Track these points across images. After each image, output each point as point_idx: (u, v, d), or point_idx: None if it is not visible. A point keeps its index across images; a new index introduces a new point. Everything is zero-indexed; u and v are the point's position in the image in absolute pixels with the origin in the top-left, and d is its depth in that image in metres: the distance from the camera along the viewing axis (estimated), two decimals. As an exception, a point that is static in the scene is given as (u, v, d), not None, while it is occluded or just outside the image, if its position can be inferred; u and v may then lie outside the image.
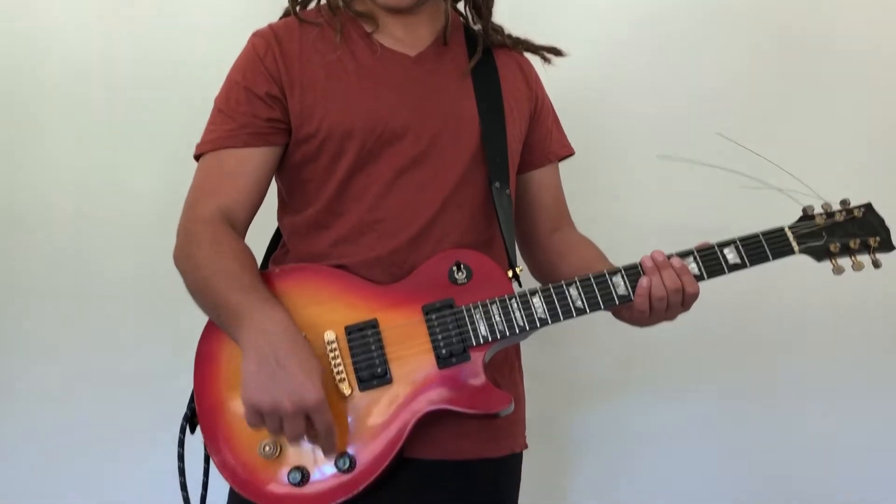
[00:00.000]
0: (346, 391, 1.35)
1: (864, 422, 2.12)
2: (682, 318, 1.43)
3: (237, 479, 1.34)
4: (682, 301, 1.39)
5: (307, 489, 1.32)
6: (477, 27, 1.62)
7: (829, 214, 1.44)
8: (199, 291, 1.37)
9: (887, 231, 1.44)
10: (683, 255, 1.41)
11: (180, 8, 2.17)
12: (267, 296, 1.34)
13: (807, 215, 1.44)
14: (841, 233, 1.43)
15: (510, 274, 1.44)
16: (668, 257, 1.40)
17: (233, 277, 1.34)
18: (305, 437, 1.30)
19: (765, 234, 1.42)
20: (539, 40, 1.63)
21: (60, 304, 2.16)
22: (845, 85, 2.13)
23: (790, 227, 1.43)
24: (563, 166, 1.68)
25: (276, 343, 1.27)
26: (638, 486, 2.14)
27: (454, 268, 1.41)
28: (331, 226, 1.46)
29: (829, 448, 2.12)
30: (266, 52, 1.47)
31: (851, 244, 1.42)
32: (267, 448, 1.33)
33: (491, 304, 1.39)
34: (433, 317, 1.38)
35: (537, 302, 1.39)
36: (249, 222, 1.48)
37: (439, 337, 1.37)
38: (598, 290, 1.39)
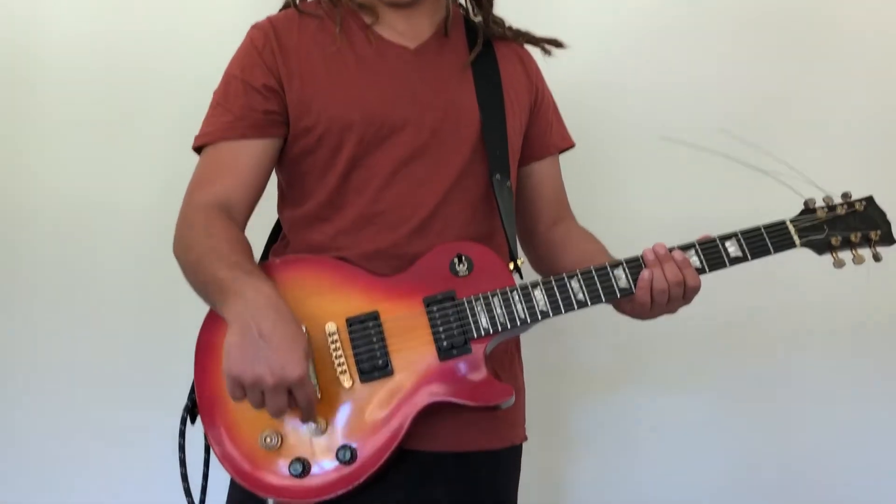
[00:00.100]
0: (347, 383, 1.35)
1: (866, 416, 2.12)
2: (683, 311, 1.43)
3: (238, 470, 1.34)
4: (684, 294, 1.39)
5: (308, 481, 1.32)
6: (477, 19, 1.62)
7: (831, 208, 1.44)
8: (192, 272, 1.37)
9: (888, 224, 1.45)
10: (685, 248, 1.41)
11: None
12: (252, 269, 1.33)
13: (808, 208, 1.44)
14: (842, 226, 1.43)
15: (511, 266, 1.44)
16: (670, 250, 1.40)
17: (222, 256, 1.34)
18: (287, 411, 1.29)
19: (766, 227, 1.42)
20: (540, 32, 1.63)
21: (60, 297, 2.15)
22: (848, 78, 2.13)
23: (791, 221, 1.43)
24: (564, 158, 1.68)
25: (260, 315, 1.26)
26: (638, 478, 2.15)
27: (455, 260, 1.41)
28: (331, 218, 1.46)
29: (830, 441, 2.13)
30: (264, 44, 1.47)
31: (852, 237, 1.42)
32: (268, 439, 1.33)
33: (492, 296, 1.39)
34: (434, 309, 1.38)
35: (538, 294, 1.39)
36: (248, 213, 1.48)
37: (440, 329, 1.37)
38: (600, 283, 1.39)
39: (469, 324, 1.37)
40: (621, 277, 1.40)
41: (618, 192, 2.14)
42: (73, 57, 2.15)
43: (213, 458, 1.37)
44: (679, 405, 2.15)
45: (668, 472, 2.13)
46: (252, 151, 1.46)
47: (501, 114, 1.52)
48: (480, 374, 1.36)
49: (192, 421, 1.42)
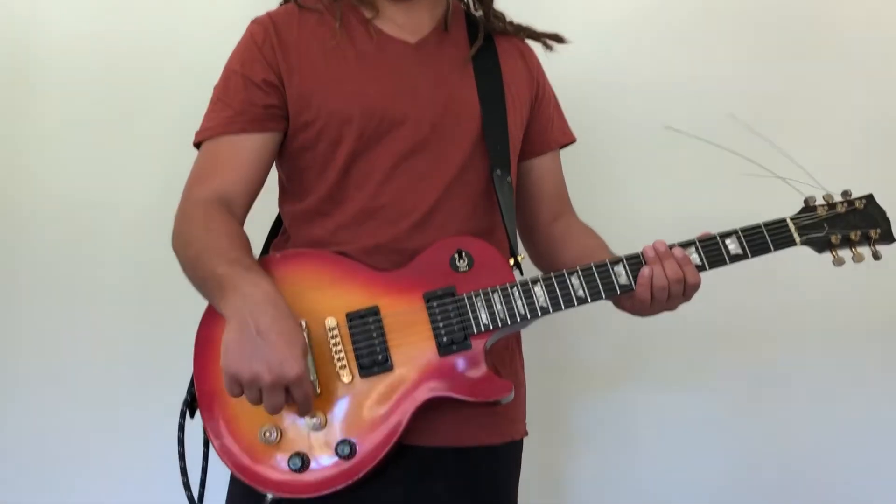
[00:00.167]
0: (347, 378, 1.35)
1: (866, 414, 2.13)
2: (683, 307, 1.44)
3: (237, 464, 1.34)
4: (684, 291, 1.40)
5: (307, 475, 1.32)
6: (478, 13, 1.61)
7: (831, 206, 1.44)
8: (191, 267, 1.37)
9: (888, 223, 1.45)
10: (685, 245, 1.41)
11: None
12: (250, 264, 1.33)
13: (808, 206, 1.44)
14: (842, 224, 1.43)
15: (511, 262, 1.45)
16: (670, 247, 1.40)
17: (220, 252, 1.34)
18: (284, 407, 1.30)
19: (766, 224, 1.42)
20: (541, 27, 1.63)
21: (59, 296, 2.14)
22: (848, 76, 2.13)
23: (792, 218, 1.43)
24: (565, 154, 1.68)
25: (258, 312, 1.26)
26: (638, 475, 2.15)
27: (456, 255, 1.41)
28: (332, 213, 1.46)
29: (830, 439, 2.13)
30: (264, 39, 1.47)
31: (852, 236, 1.42)
32: (267, 433, 1.33)
33: (492, 292, 1.39)
34: (434, 304, 1.38)
35: (539, 290, 1.39)
36: (247, 208, 1.48)
37: (440, 324, 1.37)
38: (600, 279, 1.39)
39: (469, 319, 1.37)
40: (621, 274, 1.40)
41: (618, 189, 2.14)
42: (72, 57, 2.14)
43: (213, 453, 1.37)
44: (679, 402, 2.15)
45: (667, 468, 2.14)
46: (252, 146, 1.45)
47: (502, 109, 1.52)
48: (480, 369, 1.36)
49: (192, 415, 1.42)
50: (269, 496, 1.33)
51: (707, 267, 1.40)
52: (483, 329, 1.37)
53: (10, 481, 2.13)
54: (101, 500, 2.13)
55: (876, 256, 1.44)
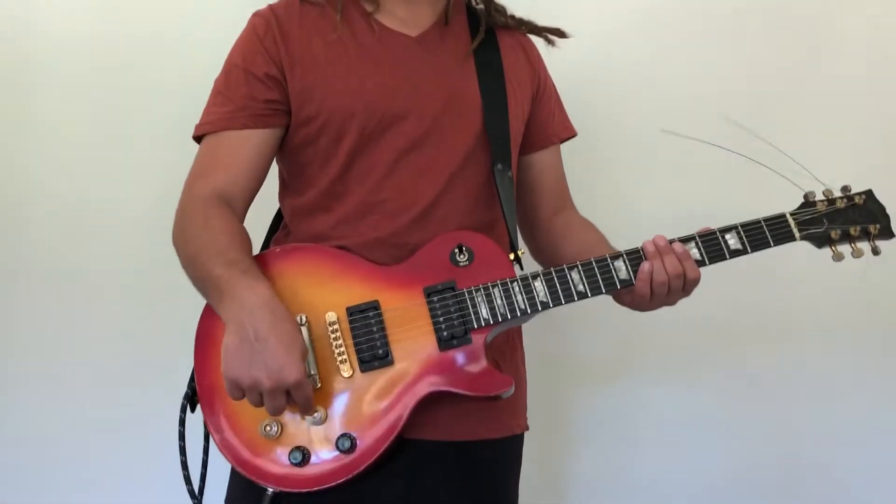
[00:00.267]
0: (347, 372, 1.36)
1: (865, 410, 2.13)
2: (682, 302, 1.44)
3: (238, 458, 1.35)
4: (684, 286, 1.40)
5: (308, 469, 1.33)
6: (479, 7, 1.61)
7: (831, 201, 1.44)
8: (190, 266, 1.38)
9: (888, 218, 1.45)
10: (685, 240, 1.41)
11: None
12: (248, 268, 1.33)
13: (808, 201, 1.44)
14: (842, 219, 1.43)
15: (512, 257, 1.45)
16: (670, 242, 1.40)
17: (219, 252, 1.34)
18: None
19: (766, 220, 1.42)
20: (542, 21, 1.63)
21: (58, 295, 2.14)
22: (848, 72, 2.12)
23: (791, 214, 1.43)
24: (565, 148, 1.67)
25: (256, 317, 1.27)
26: (639, 469, 2.15)
27: (456, 250, 1.41)
28: (333, 208, 1.46)
29: (830, 434, 2.13)
30: (266, 32, 1.46)
31: (852, 231, 1.42)
32: (268, 428, 1.34)
33: (493, 286, 1.39)
34: (435, 299, 1.38)
35: (539, 285, 1.39)
36: (248, 204, 1.48)
37: (440, 319, 1.38)
38: (600, 274, 1.40)
39: (469, 314, 1.38)
40: (621, 269, 1.40)
41: (619, 183, 2.14)
42: (72, 55, 2.12)
43: (213, 447, 1.38)
44: (679, 397, 2.15)
45: (667, 463, 2.14)
46: (253, 142, 1.45)
47: (503, 103, 1.52)
48: (480, 364, 1.37)
49: (193, 409, 1.42)
50: (270, 490, 1.34)
51: (707, 262, 1.41)
52: (483, 324, 1.38)
53: (10, 481, 2.13)
54: (101, 500, 2.13)
55: (875, 252, 1.44)
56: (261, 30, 1.47)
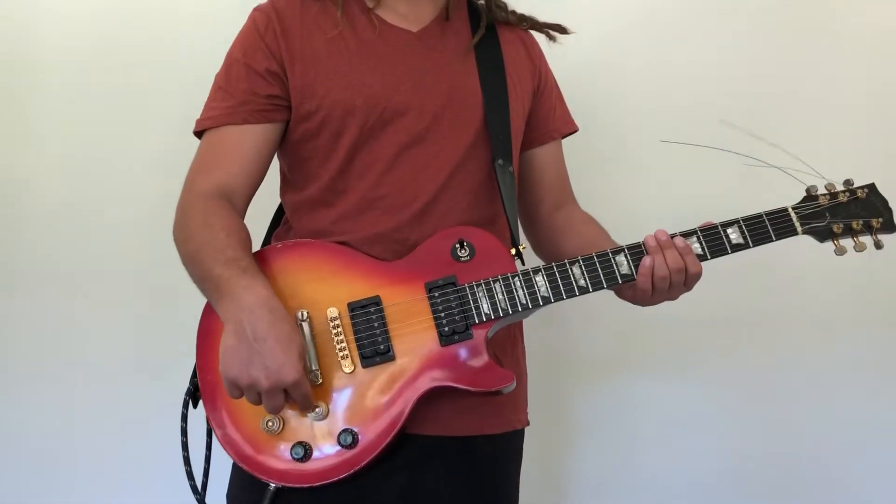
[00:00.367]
0: (349, 368, 1.36)
1: (865, 405, 2.13)
2: (683, 297, 1.43)
3: (240, 453, 1.35)
4: (685, 281, 1.40)
5: (310, 465, 1.33)
6: (480, 3, 1.60)
7: (833, 195, 1.43)
8: (190, 263, 1.38)
9: (890, 212, 1.44)
10: (687, 234, 1.41)
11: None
12: (247, 266, 1.33)
13: (810, 196, 1.43)
14: (844, 213, 1.43)
15: (513, 252, 1.44)
16: (672, 237, 1.40)
17: (218, 250, 1.34)
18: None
19: (768, 214, 1.42)
20: (544, 17, 1.62)
21: (59, 290, 2.14)
22: (849, 66, 2.12)
23: (793, 208, 1.43)
24: (567, 143, 1.67)
25: (255, 318, 1.27)
26: (639, 464, 2.15)
27: (457, 245, 1.41)
28: (333, 203, 1.46)
29: (830, 430, 2.13)
30: (266, 27, 1.46)
31: (854, 225, 1.42)
32: (270, 423, 1.34)
33: (494, 281, 1.39)
34: (436, 294, 1.38)
35: (540, 280, 1.39)
36: (249, 199, 1.48)
37: (442, 314, 1.38)
38: (601, 269, 1.39)
39: (470, 309, 1.38)
40: (623, 264, 1.40)
41: (620, 178, 2.14)
42: (72, 53, 2.12)
43: (215, 442, 1.38)
44: (679, 393, 2.15)
45: (667, 458, 2.14)
46: (254, 137, 1.45)
47: (504, 98, 1.51)
48: (482, 359, 1.37)
49: (195, 405, 1.43)
50: (272, 485, 1.34)
51: (708, 256, 1.40)
52: (484, 319, 1.38)
53: (10, 481, 2.13)
54: (101, 500, 2.13)
55: (878, 245, 1.43)
56: (261, 25, 1.47)
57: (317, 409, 1.34)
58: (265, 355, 1.26)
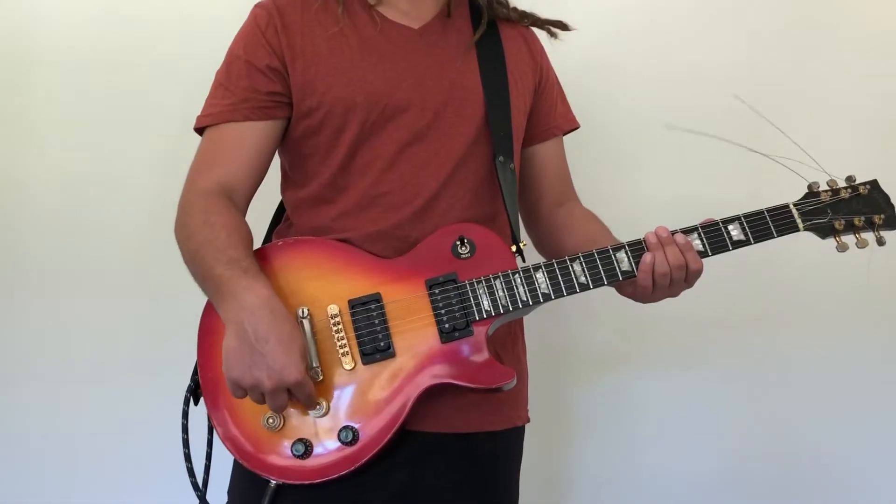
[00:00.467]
0: (349, 365, 1.36)
1: (866, 402, 2.13)
2: (684, 294, 1.43)
3: (241, 450, 1.36)
4: (686, 277, 1.39)
5: (310, 461, 1.33)
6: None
7: (835, 191, 1.43)
8: (191, 262, 1.38)
9: (892, 208, 1.43)
10: (687, 231, 1.41)
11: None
12: (248, 266, 1.33)
13: (812, 192, 1.43)
14: (846, 210, 1.42)
15: (514, 249, 1.44)
16: (672, 233, 1.39)
17: (219, 249, 1.34)
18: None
19: (769, 210, 1.41)
20: (545, 14, 1.62)
21: (59, 290, 2.13)
22: (852, 62, 2.12)
23: (795, 204, 1.42)
24: (568, 140, 1.67)
25: (256, 318, 1.28)
26: (639, 462, 2.15)
27: (457, 242, 1.41)
28: (334, 200, 1.45)
29: (830, 424, 2.13)
30: (267, 24, 1.46)
31: (856, 221, 1.41)
32: (270, 420, 1.34)
33: (494, 278, 1.39)
34: (436, 291, 1.38)
35: (541, 277, 1.39)
36: (251, 196, 1.48)
37: (442, 311, 1.38)
38: (602, 266, 1.39)
39: (471, 306, 1.38)
40: (623, 260, 1.40)
41: (621, 175, 2.13)
42: (72, 51, 2.11)
43: (216, 439, 1.38)
44: (680, 389, 2.15)
45: (667, 456, 2.14)
46: (255, 134, 1.45)
47: (505, 95, 1.51)
48: (482, 356, 1.37)
49: (196, 402, 1.43)
50: (273, 482, 1.34)
51: (709, 253, 1.40)
52: (485, 315, 1.38)
53: (10, 481, 2.12)
54: (101, 500, 2.12)
55: (880, 242, 1.43)
56: (262, 21, 1.47)
57: (318, 407, 1.34)
58: (267, 356, 1.26)
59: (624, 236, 1.44)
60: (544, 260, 1.42)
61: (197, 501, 1.44)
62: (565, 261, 1.40)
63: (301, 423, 1.35)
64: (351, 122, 1.43)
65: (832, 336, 2.12)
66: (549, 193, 1.63)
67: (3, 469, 2.13)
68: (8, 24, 2.11)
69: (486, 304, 1.38)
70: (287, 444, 1.34)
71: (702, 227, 1.41)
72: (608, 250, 1.40)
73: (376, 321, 1.37)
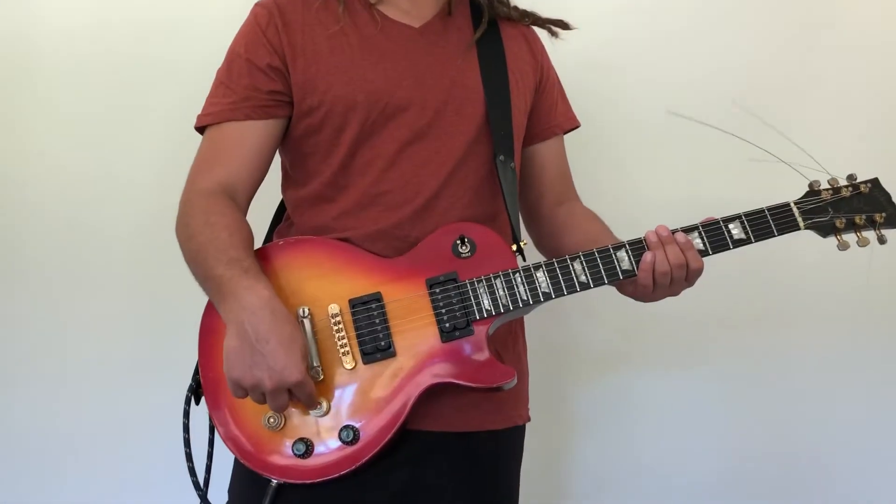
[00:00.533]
0: (350, 364, 1.36)
1: (866, 401, 2.13)
2: (685, 293, 1.43)
3: (242, 450, 1.35)
4: (686, 276, 1.39)
5: (311, 461, 1.33)
6: (482, -2, 1.60)
7: (836, 190, 1.42)
8: (192, 262, 1.38)
9: (894, 206, 1.43)
10: (688, 230, 1.40)
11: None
12: (249, 266, 1.33)
13: (813, 190, 1.43)
14: (847, 208, 1.42)
15: (514, 248, 1.44)
16: (673, 232, 1.39)
17: (220, 250, 1.34)
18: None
19: (770, 209, 1.41)
20: (546, 13, 1.62)
21: (59, 289, 2.13)
22: (854, 61, 2.11)
23: (796, 203, 1.42)
24: (569, 139, 1.67)
25: (256, 319, 1.28)
26: (640, 461, 2.15)
27: (458, 241, 1.41)
28: (335, 199, 1.45)
29: (830, 423, 2.13)
30: (268, 23, 1.46)
31: (857, 220, 1.41)
32: (271, 419, 1.34)
33: (495, 278, 1.39)
34: (437, 290, 1.38)
35: (541, 276, 1.39)
36: (251, 195, 1.48)
37: (443, 311, 1.37)
38: (602, 265, 1.39)
39: (471, 305, 1.38)
40: (624, 259, 1.39)
41: (622, 174, 2.13)
42: (73, 50, 2.11)
43: (217, 438, 1.38)
44: (680, 388, 2.15)
45: (667, 455, 2.14)
46: (256, 133, 1.45)
47: (506, 94, 1.51)
48: (483, 355, 1.37)
49: (197, 402, 1.43)
50: (274, 481, 1.34)
51: (710, 252, 1.40)
52: (485, 315, 1.37)
53: (11, 481, 2.12)
54: (101, 500, 2.12)
55: (881, 241, 1.43)
56: (263, 20, 1.47)
57: (319, 406, 1.34)
58: (268, 357, 1.26)
59: (624, 236, 1.44)
60: (545, 259, 1.42)
61: (198, 501, 1.44)
62: (566, 260, 1.40)
63: (302, 423, 1.35)
64: (351, 121, 1.43)
65: (832, 336, 2.12)
66: (550, 192, 1.63)
67: (3, 469, 2.13)
68: (8, 24, 2.11)
69: (486, 303, 1.38)
70: (288, 443, 1.34)
71: (702, 226, 1.41)
72: (609, 249, 1.40)
73: (377, 320, 1.37)
